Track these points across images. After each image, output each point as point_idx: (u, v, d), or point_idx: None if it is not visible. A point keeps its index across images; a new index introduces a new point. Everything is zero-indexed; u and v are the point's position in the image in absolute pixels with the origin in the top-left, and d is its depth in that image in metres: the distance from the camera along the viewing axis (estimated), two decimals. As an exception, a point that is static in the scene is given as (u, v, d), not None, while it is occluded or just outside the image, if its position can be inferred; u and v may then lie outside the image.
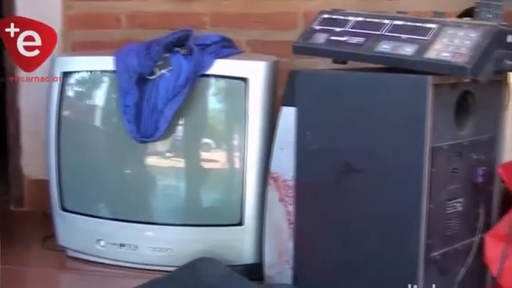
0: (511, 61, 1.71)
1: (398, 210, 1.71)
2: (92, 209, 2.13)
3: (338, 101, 1.78)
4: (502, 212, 1.85)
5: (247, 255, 2.03)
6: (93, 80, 2.14)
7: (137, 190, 2.11)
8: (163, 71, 2.02)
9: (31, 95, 2.62)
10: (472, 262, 1.81)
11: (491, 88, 1.85)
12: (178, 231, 2.06)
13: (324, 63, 1.98)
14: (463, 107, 1.79)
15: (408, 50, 1.71)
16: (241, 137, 2.01)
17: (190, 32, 2.12)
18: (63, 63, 2.12)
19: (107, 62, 2.07)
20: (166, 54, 2.04)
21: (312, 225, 1.84)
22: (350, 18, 1.85)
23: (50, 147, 2.13)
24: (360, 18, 1.84)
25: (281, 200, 1.88)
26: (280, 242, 1.89)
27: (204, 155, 2.09)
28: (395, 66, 1.73)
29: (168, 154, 2.10)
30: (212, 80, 2.05)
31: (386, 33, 1.77)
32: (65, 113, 2.12)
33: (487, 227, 1.84)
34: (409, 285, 1.68)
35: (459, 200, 1.79)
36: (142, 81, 2.02)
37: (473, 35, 1.67)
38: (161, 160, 2.11)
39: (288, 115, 1.85)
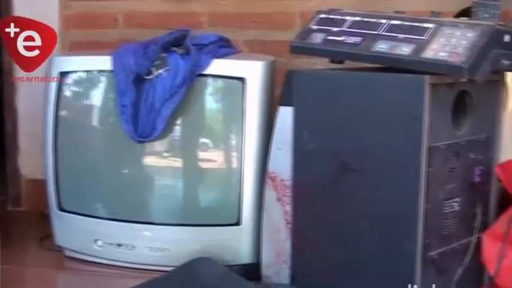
0: (508, 61, 1.71)
1: (395, 209, 1.71)
2: (89, 209, 2.13)
3: (335, 100, 1.78)
4: (499, 211, 1.86)
5: (244, 255, 2.03)
6: (90, 79, 2.14)
7: (135, 190, 2.11)
8: (160, 71, 2.02)
9: (28, 95, 2.62)
10: (469, 261, 1.81)
11: (489, 88, 1.85)
12: (176, 231, 2.06)
13: (321, 63, 1.98)
14: (460, 106, 1.79)
15: (405, 49, 1.71)
16: (239, 137, 2.01)
17: (187, 31, 2.12)
18: (60, 63, 2.12)
19: (104, 62, 2.06)
20: (164, 54, 2.04)
21: (310, 225, 1.84)
22: (347, 18, 1.85)
23: (47, 147, 2.13)
24: (357, 18, 1.84)
25: (278, 199, 1.89)
26: (278, 241, 1.89)
27: (202, 154, 2.09)
28: (392, 66, 1.74)
29: (165, 154, 2.10)
30: (209, 80, 2.05)
31: (383, 33, 1.77)
32: (62, 113, 2.12)
33: (484, 226, 1.85)
34: (409, 285, 1.68)
35: (456, 199, 1.79)
36: (139, 81, 2.02)
37: (470, 34, 1.67)
38: (159, 160, 2.11)
39: (285, 115, 1.85)
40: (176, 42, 2.08)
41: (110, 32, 2.60)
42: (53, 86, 2.11)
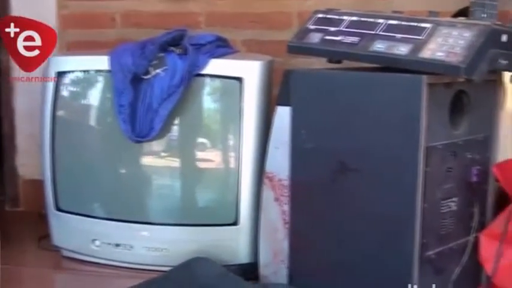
0: (505, 60, 1.71)
1: (393, 209, 1.71)
2: (87, 208, 2.12)
3: (333, 100, 1.78)
4: (497, 211, 1.86)
5: (242, 255, 2.03)
6: (87, 79, 2.13)
7: (132, 190, 2.11)
8: (158, 71, 2.02)
9: (26, 95, 2.62)
10: (466, 261, 1.81)
11: (486, 87, 1.85)
12: (174, 231, 2.06)
13: (318, 63, 1.98)
14: (457, 106, 1.79)
15: (403, 49, 1.71)
16: (236, 137, 2.01)
17: (185, 31, 2.12)
18: (58, 63, 2.12)
19: (101, 62, 2.06)
20: (161, 54, 2.04)
21: (307, 225, 1.84)
22: (344, 17, 1.85)
23: (45, 147, 2.13)
24: (355, 18, 1.84)
25: (276, 199, 1.89)
26: (276, 241, 1.89)
27: (199, 154, 2.09)
28: (389, 65, 1.74)
29: (163, 154, 2.10)
30: (207, 80, 2.05)
31: (380, 33, 1.77)
32: (60, 113, 2.12)
33: (482, 226, 1.85)
34: (409, 285, 1.68)
35: (454, 199, 1.80)
36: (137, 80, 2.02)
37: (468, 34, 1.67)
38: (156, 160, 2.10)
39: (282, 114, 1.85)
40: (174, 42, 2.08)
41: (108, 31, 2.60)
42: (51, 86, 2.11)
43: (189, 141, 2.09)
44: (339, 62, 1.86)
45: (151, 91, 2.01)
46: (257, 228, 1.94)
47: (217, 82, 2.06)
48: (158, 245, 2.06)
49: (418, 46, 1.70)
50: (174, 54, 2.04)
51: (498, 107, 1.92)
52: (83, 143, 2.15)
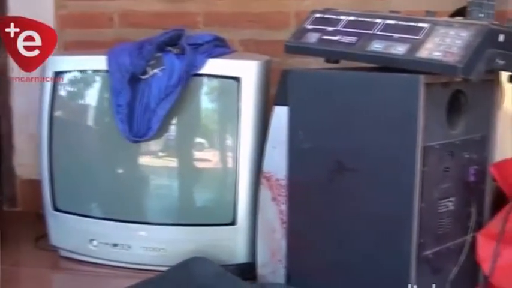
0: (502, 60, 1.71)
1: (390, 209, 1.71)
2: (84, 208, 2.12)
3: (330, 100, 1.78)
4: (494, 211, 1.86)
5: (240, 255, 2.03)
6: (85, 79, 2.13)
7: (130, 190, 2.11)
8: (155, 71, 2.02)
9: (24, 94, 2.62)
10: (464, 261, 1.81)
11: (483, 87, 1.85)
12: (171, 231, 2.06)
13: (316, 63, 1.98)
14: (455, 106, 1.79)
15: (400, 49, 1.71)
16: (234, 137, 2.01)
17: (182, 31, 2.12)
18: (55, 63, 2.12)
19: (99, 62, 2.06)
20: (159, 54, 2.04)
21: (305, 225, 1.84)
22: (342, 17, 1.85)
23: (43, 147, 2.12)
24: (352, 18, 1.84)
25: (274, 199, 1.89)
26: (273, 241, 1.89)
27: (197, 154, 2.09)
28: (387, 65, 1.74)
29: (160, 154, 2.10)
30: (205, 80, 2.05)
31: (378, 33, 1.77)
32: (57, 112, 2.12)
33: (479, 226, 1.85)
34: (409, 285, 1.68)
35: (451, 199, 1.80)
36: (134, 80, 2.02)
37: (465, 34, 1.67)
38: (154, 160, 2.10)
39: (280, 114, 1.85)
40: (171, 41, 2.08)
41: (105, 31, 2.60)
42: (48, 86, 2.11)
43: (187, 141, 2.09)
44: (336, 61, 1.86)
45: (149, 91, 2.01)
46: (255, 228, 1.94)
47: (214, 82, 2.06)
48: (156, 245, 2.06)
49: (416, 46, 1.70)
50: (171, 54, 2.04)
51: (495, 106, 1.92)
52: (81, 143, 2.15)
